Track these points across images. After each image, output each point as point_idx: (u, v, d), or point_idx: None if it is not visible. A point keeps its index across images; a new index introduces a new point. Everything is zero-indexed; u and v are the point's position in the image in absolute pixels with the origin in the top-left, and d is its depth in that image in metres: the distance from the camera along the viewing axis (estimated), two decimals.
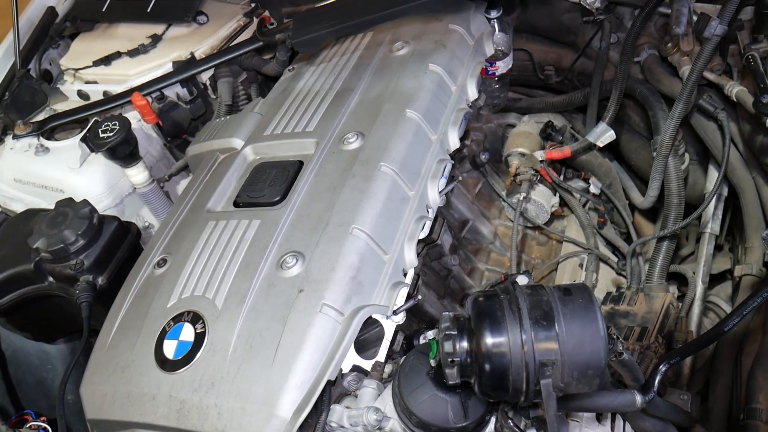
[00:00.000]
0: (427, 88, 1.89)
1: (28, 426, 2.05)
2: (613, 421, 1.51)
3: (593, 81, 2.52)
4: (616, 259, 2.46)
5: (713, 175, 2.37)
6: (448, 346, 1.16)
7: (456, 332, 1.18)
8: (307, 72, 2.18)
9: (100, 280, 1.92)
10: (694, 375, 2.11)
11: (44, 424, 2.05)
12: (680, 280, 2.44)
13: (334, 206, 1.60)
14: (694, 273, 2.32)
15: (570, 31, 2.65)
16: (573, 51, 2.69)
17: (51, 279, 1.98)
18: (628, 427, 1.54)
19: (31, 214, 2.15)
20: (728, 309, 2.31)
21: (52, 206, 2.00)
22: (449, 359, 1.16)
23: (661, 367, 1.40)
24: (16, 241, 2.04)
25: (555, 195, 2.48)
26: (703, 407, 1.98)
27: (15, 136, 2.49)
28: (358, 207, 1.59)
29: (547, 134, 2.52)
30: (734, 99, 2.09)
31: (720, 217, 2.37)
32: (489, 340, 1.13)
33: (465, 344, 1.17)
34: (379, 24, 2.11)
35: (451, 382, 1.18)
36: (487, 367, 1.13)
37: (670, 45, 2.30)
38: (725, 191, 2.37)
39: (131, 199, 2.37)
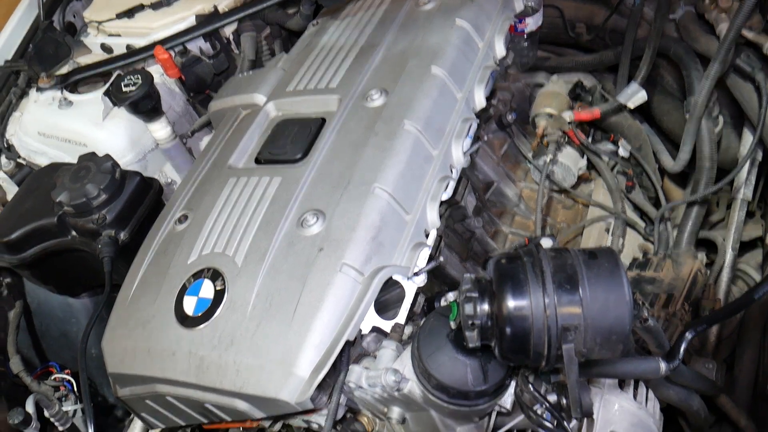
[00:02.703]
0: (453, 43, 1.84)
1: (52, 378, 2.08)
2: (636, 388, 1.49)
3: (626, 39, 2.44)
4: (643, 225, 2.41)
5: (748, 138, 2.30)
6: (468, 309, 1.14)
7: (477, 294, 1.15)
8: (331, 27, 2.14)
9: (122, 235, 1.93)
10: (720, 343, 2.08)
11: (68, 377, 2.09)
12: (709, 247, 2.39)
13: (356, 164, 1.57)
14: (723, 240, 2.27)
15: None
16: (606, 8, 2.61)
17: (74, 233, 1.99)
18: (651, 394, 1.52)
19: (55, 167, 2.16)
20: (758, 278, 2.26)
21: (75, 160, 2.01)
22: (470, 322, 1.14)
23: (687, 334, 1.37)
24: (40, 194, 2.05)
25: (582, 157, 2.43)
26: (728, 376, 1.95)
27: (39, 89, 2.49)
28: (380, 165, 1.55)
29: (576, 94, 2.46)
30: None
31: (753, 182, 2.30)
32: (511, 303, 1.10)
33: (486, 307, 1.14)
34: None
35: (471, 345, 1.16)
36: (508, 330, 1.10)
37: (707, 1, 2.22)
38: (760, 156, 2.30)
39: (154, 155, 2.37)
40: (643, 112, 2.61)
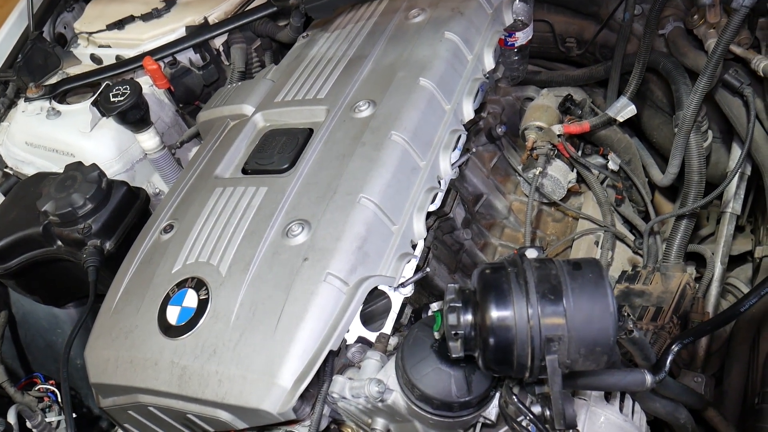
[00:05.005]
0: (442, 56, 1.84)
1: (36, 389, 2.06)
2: (622, 400, 1.48)
3: (615, 54, 2.45)
4: (633, 238, 2.41)
5: (736, 153, 2.31)
6: (452, 319, 1.13)
7: (461, 304, 1.14)
8: (321, 39, 2.14)
9: (107, 245, 1.92)
10: (709, 357, 2.07)
11: (52, 387, 2.07)
12: (699, 261, 2.38)
13: (343, 175, 1.57)
14: (713, 253, 2.26)
15: (593, 2, 2.59)
16: (596, 23, 2.62)
17: (59, 243, 1.98)
18: (637, 406, 1.51)
19: (42, 177, 2.15)
20: (747, 291, 2.26)
21: (62, 170, 1.99)
22: (453, 332, 1.13)
23: (673, 346, 1.37)
24: (26, 204, 2.04)
25: (572, 170, 2.42)
26: (717, 390, 1.94)
27: (27, 99, 2.48)
28: (366, 176, 1.55)
29: (566, 108, 2.45)
30: (761, 74, 2.03)
31: (742, 196, 2.30)
32: (494, 313, 1.09)
33: (470, 317, 1.13)
34: None
35: (454, 356, 1.15)
36: (491, 341, 1.09)
37: (696, 17, 2.23)
38: (748, 170, 2.30)
39: (142, 165, 2.36)
40: (632, 126, 2.62)
